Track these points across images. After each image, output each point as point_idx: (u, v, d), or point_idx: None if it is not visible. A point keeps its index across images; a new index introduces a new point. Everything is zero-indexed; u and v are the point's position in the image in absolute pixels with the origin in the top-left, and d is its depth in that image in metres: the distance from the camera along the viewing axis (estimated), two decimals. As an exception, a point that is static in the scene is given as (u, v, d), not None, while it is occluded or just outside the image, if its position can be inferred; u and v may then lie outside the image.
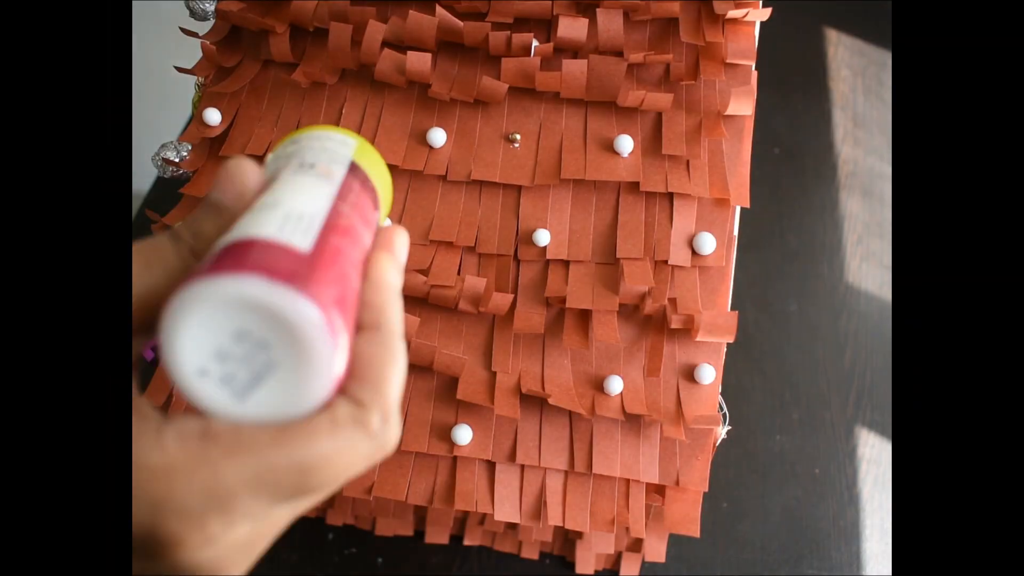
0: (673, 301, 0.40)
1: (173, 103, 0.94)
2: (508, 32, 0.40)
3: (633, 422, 0.41)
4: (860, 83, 0.81)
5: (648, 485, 0.41)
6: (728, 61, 0.41)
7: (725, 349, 0.41)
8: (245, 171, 0.26)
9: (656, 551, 0.50)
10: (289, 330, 0.21)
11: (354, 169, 0.27)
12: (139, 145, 0.61)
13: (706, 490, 0.41)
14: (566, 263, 0.41)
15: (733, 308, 0.41)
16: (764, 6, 0.41)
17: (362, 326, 0.25)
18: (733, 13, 0.40)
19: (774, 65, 0.81)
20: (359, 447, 0.23)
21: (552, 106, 0.42)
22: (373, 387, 0.24)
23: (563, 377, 0.41)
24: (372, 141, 0.41)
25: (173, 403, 0.42)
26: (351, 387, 0.24)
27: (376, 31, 0.40)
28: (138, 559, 0.24)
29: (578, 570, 0.54)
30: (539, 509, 0.41)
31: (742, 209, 0.42)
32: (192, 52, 0.44)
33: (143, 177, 0.80)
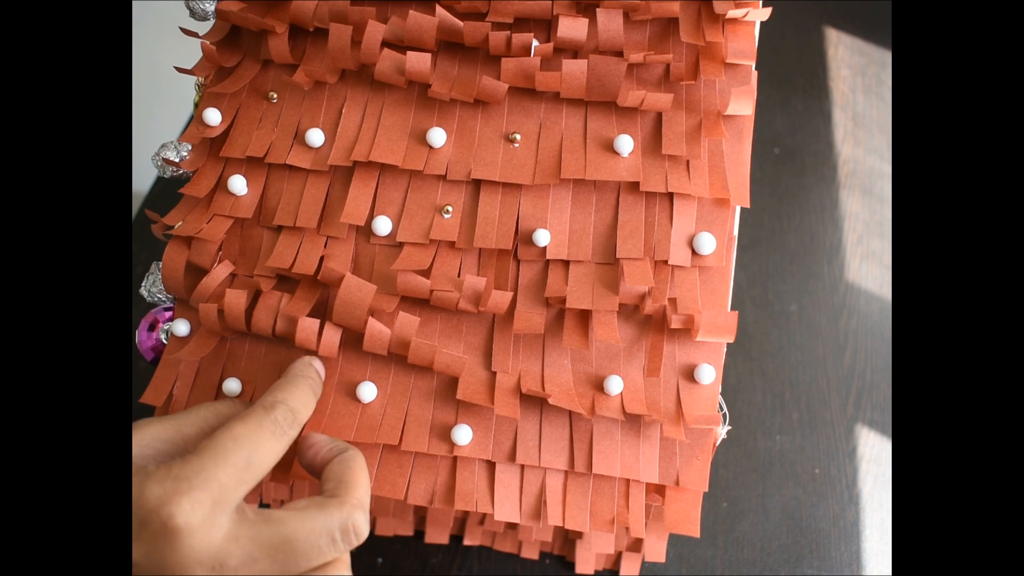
0: (673, 301, 0.40)
1: (173, 103, 0.94)
2: (508, 32, 0.40)
3: (633, 422, 0.41)
4: (860, 83, 0.81)
5: (648, 485, 0.41)
6: (728, 61, 0.41)
7: (725, 349, 0.41)
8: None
9: (656, 551, 0.50)
10: None
11: None
12: (139, 145, 0.61)
13: (706, 490, 0.41)
14: (566, 263, 0.41)
15: (733, 308, 0.41)
16: (764, 6, 0.41)
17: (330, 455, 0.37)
18: (733, 13, 0.40)
19: (774, 65, 0.81)
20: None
21: (552, 106, 0.42)
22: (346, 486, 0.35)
23: (563, 377, 0.41)
24: (372, 141, 0.42)
25: (173, 403, 0.42)
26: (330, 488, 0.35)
27: (376, 31, 0.41)
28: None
29: (578, 570, 0.54)
30: (539, 509, 0.41)
31: (742, 209, 0.42)
32: (192, 52, 0.44)
33: (143, 177, 0.80)
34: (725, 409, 0.41)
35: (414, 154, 0.41)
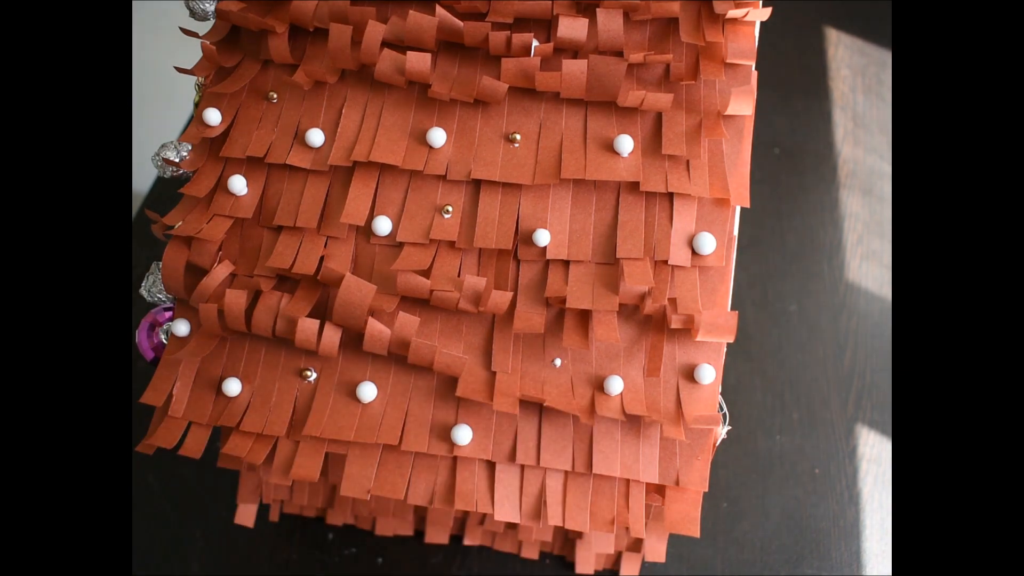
0: (673, 301, 0.40)
1: (173, 103, 0.94)
2: (508, 32, 0.40)
3: (633, 422, 0.41)
4: (860, 83, 0.81)
5: (648, 485, 0.41)
6: (728, 61, 0.41)
7: (725, 349, 0.41)
8: None
9: (656, 551, 0.50)
10: None
11: None
12: (139, 145, 0.61)
13: (706, 490, 0.41)
14: (566, 263, 0.41)
15: (733, 308, 0.41)
16: (764, 6, 0.41)
17: None
18: (733, 13, 0.40)
19: (774, 65, 0.81)
20: None
21: (552, 106, 0.42)
22: None
23: (563, 378, 0.41)
24: (372, 141, 0.42)
25: (173, 403, 0.42)
26: None
27: (376, 31, 0.41)
28: None
29: (578, 570, 0.54)
30: (539, 509, 0.41)
31: (742, 209, 0.42)
32: (192, 52, 0.44)
33: (143, 177, 0.80)
34: (725, 409, 0.41)
35: (414, 154, 0.41)
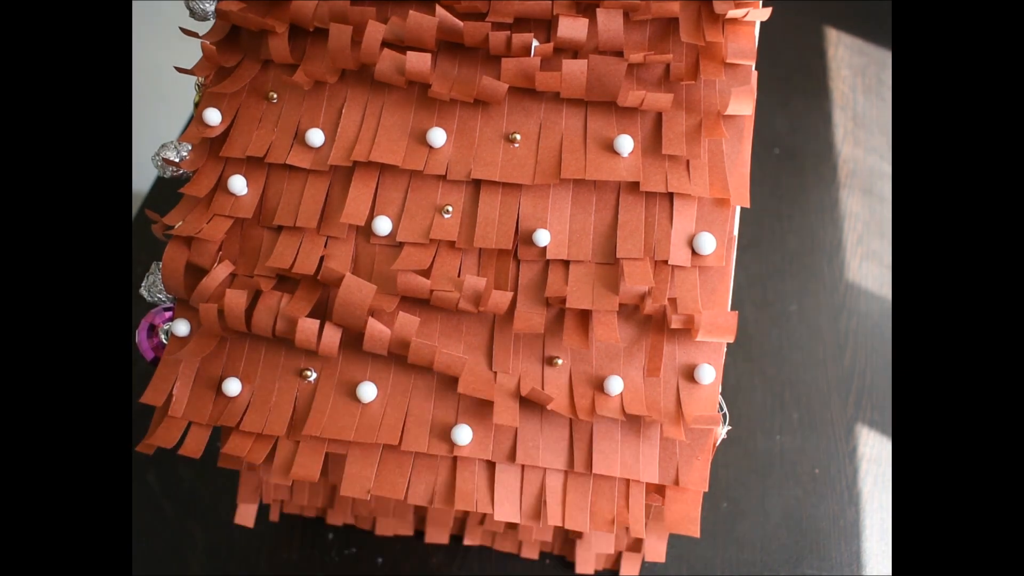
0: (673, 301, 0.40)
1: (173, 103, 0.94)
2: (508, 32, 0.40)
3: (633, 422, 0.41)
4: (860, 83, 0.81)
5: (648, 485, 0.41)
6: (728, 61, 0.41)
7: (725, 349, 0.41)
8: None
9: (656, 551, 0.50)
10: None
11: None
12: (139, 145, 0.61)
13: (706, 490, 0.41)
14: (566, 263, 0.41)
15: (733, 308, 0.41)
16: (764, 6, 0.41)
17: None
18: (733, 13, 0.40)
19: (774, 65, 0.82)
20: None
21: (552, 106, 0.42)
22: None
23: (563, 378, 0.41)
24: (372, 141, 0.42)
25: (173, 403, 0.42)
26: None
27: (376, 31, 0.41)
28: None
29: (578, 570, 0.54)
30: (539, 509, 0.41)
31: (742, 209, 0.42)
32: (192, 52, 0.44)
33: (143, 177, 0.80)
34: (725, 409, 0.41)
35: (414, 154, 0.41)
